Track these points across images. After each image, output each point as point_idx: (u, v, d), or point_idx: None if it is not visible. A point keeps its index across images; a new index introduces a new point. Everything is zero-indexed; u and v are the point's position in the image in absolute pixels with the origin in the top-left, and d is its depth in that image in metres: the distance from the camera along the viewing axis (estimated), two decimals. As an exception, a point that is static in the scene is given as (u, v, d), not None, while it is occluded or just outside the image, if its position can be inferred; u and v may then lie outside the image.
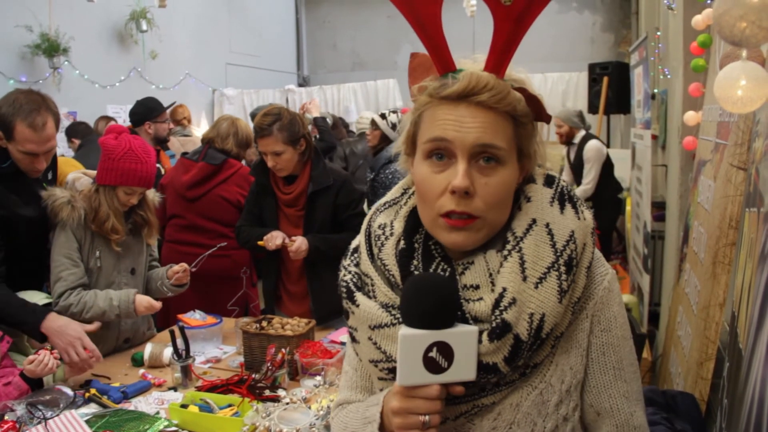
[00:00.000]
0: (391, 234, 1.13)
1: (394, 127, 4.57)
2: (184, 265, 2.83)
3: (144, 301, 2.64)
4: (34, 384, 2.22)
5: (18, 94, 2.46)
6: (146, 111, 4.39)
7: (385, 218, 1.17)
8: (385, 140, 4.60)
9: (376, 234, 1.15)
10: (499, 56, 1.02)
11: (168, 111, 4.75)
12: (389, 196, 1.21)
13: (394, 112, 4.71)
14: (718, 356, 2.31)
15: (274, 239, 2.88)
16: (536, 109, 1.05)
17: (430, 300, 0.97)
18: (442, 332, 0.96)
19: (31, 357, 2.20)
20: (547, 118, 1.07)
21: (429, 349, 0.96)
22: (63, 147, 6.11)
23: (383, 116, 4.64)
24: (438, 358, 0.97)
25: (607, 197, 5.84)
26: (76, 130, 5.67)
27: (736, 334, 1.77)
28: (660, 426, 2.26)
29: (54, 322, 2.37)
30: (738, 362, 1.67)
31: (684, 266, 3.20)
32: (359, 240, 1.19)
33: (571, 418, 1.10)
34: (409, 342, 0.96)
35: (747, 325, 1.62)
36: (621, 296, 1.15)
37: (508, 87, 1.02)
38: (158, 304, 2.69)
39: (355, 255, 1.18)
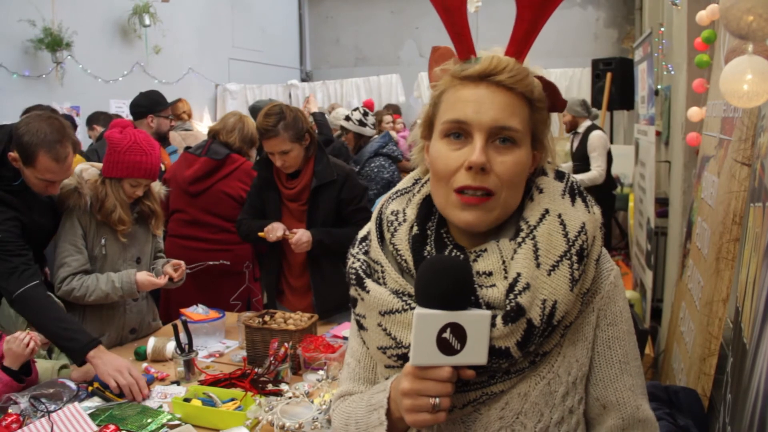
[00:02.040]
0: (404, 220, 1.15)
1: (361, 123, 4.71)
2: (181, 263, 2.84)
3: (146, 281, 2.66)
4: (14, 375, 2.18)
5: (40, 123, 2.39)
6: (151, 104, 4.36)
7: (397, 205, 1.18)
8: (360, 137, 4.74)
9: (389, 220, 1.16)
10: (520, 43, 1.06)
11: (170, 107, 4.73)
12: (401, 185, 1.23)
13: (356, 109, 4.83)
14: (720, 352, 2.31)
15: (274, 231, 2.88)
16: (552, 96, 1.08)
17: (447, 280, 0.97)
18: (456, 313, 0.97)
19: (8, 337, 2.18)
20: (562, 105, 1.10)
21: (443, 330, 0.97)
22: (82, 134, 6.12)
23: (347, 118, 4.78)
24: (451, 339, 0.97)
25: (602, 194, 5.86)
26: (98, 118, 5.67)
27: (740, 329, 1.77)
28: (662, 422, 2.26)
29: (103, 352, 2.32)
30: (742, 357, 1.66)
31: (687, 262, 3.20)
32: (368, 228, 1.20)
33: (577, 411, 1.11)
34: (425, 321, 0.97)
35: (752, 319, 1.61)
36: (625, 292, 1.16)
37: (527, 70, 1.05)
38: (161, 280, 2.71)
39: (364, 243, 1.19)
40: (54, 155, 2.39)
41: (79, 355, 2.30)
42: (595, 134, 5.95)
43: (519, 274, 1.03)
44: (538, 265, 1.03)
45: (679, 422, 2.28)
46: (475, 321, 0.98)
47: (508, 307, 1.02)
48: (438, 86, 1.10)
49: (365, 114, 4.72)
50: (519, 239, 1.06)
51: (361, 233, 1.22)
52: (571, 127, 6.18)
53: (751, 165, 2.14)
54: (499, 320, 1.01)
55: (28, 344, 2.17)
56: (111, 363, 2.28)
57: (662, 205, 5.04)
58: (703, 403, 2.37)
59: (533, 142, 1.09)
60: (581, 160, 5.98)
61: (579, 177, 5.76)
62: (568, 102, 6.08)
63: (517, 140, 1.04)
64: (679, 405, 2.39)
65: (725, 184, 2.50)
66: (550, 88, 1.07)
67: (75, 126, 5.39)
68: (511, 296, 1.02)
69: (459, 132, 1.05)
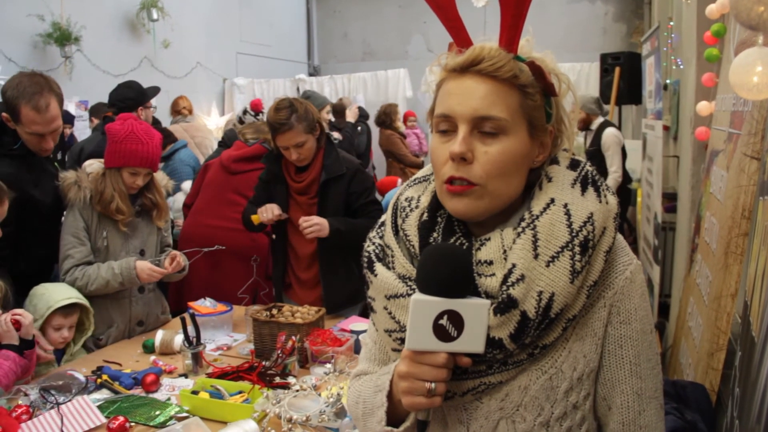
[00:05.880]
0: (417, 207, 1.16)
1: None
2: (178, 253, 2.85)
3: (145, 268, 2.69)
4: (17, 350, 2.17)
5: (21, 77, 2.52)
6: (139, 96, 4.24)
7: (413, 192, 1.20)
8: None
9: (402, 206, 1.18)
10: (510, 32, 1.05)
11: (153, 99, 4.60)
12: (421, 173, 1.24)
13: (245, 111, 4.61)
14: (729, 347, 2.30)
15: (269, 210, 2.88)
16: (540, 79, 1.06)
17: (445, 268, 0.98)
18: (454, 301, 0.98)
19: None
20: (551, 90, 1.08)
21: (440, 316, 0.98)
22: (84, 125, 6.14)
23: (241, 121, 4.54)
24: (448, 326, 0.98)
25: (618, 187, 5.84)
26: (98, 110, 5.64)
27: (748, 323, 1.76)
28: (669, 416, 2.26)
29: None
30: (751, 350, 1.66)
31: (695, 257, 3.18)
32: (387, 214, 1.22)
33: (582, 407, 1.09)
34: (421, 307, 0.98)
35: (760, 312, 1.61)
36: (645, 288, 1.12)
37: (510, 57, 1.04)
38: (160, 270, 2.73)
39: (381, 228, 1.21)
40: (34, 105, 2.47)
41: None
42: (609, 132, 5.87)
43: (514, 265, 1.02)
44: (536, 256, 1.02)
45: (686, 417, 2.28)
46: (473, 309, 0.99)
47: (500, 299, 1.01)
48: (436, 81, 1.12)
49: (256, 116, 4.53)
50: (519, 229, 1.05)
51: (382, 218, 1.24)
52: (585, 125, 6.08)
53: (760, 159, 2.12)
54: (491, 310, 1.01)
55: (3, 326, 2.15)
56: None
57: (670, 200, 5.02)
58: (711, 398, 2.36)
59: (531, 130, 1.07)
60: (595, 159, 5.91)
61: None
62: (583, 99, 6.09)
63: (503, 128, 1.03)
64: (686, 400, 2.38)
65: (734, 178, 2.48)
66: (537, 71, 1.05)
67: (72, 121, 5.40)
68: (504, 287, 1.02)
69: (447, 125, 1.06)
